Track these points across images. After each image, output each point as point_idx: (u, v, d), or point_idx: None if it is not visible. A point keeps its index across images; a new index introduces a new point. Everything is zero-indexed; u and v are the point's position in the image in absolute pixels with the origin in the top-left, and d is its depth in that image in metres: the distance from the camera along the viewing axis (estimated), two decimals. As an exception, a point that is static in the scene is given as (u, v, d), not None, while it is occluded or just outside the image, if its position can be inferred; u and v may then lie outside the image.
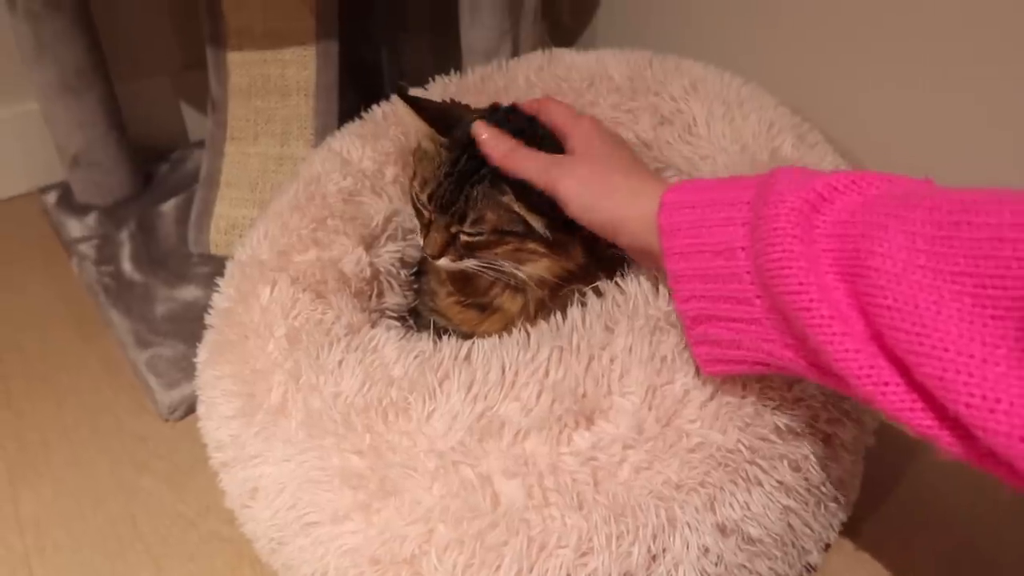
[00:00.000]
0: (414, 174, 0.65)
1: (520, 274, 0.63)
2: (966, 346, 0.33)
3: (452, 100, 0.69)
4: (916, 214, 0.36)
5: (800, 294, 0.40)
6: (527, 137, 0.60)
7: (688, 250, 0.47)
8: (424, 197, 0.62)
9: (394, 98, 0.80)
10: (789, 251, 0.41)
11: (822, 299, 0.39)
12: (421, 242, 0.64)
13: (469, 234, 0.61)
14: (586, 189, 0.54)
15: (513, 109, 0.66)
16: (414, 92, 0.82)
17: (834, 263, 0.39)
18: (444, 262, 0.63)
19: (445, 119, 0.63)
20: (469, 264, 0.63)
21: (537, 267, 0.63)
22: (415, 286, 0.76)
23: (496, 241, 0.61)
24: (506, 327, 0.65)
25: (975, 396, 0.32)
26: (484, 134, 0.60)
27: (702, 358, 0.50)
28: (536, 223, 0.59)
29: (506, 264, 0.62)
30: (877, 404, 0.38)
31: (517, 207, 0.59)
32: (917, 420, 0.36)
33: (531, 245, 0.61)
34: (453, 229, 0.61)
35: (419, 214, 0.65)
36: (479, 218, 0.60)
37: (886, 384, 0.37)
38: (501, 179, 0.59)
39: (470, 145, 0.61)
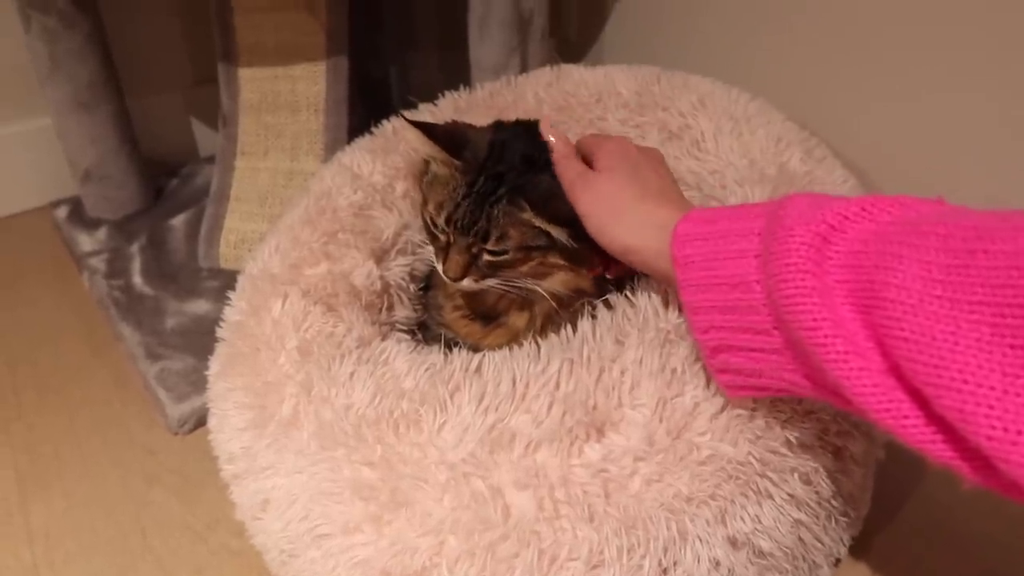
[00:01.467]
0: (425, 200, 0.65)
1: (539, 289, 0.62)
2: (986, 377, 0.32)
3: (454, 120, 0.69)
4: (930, 242, 0.35)
5: (815, 330, 0.39)
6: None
7: (704, 282, 0.47)
8: (442, 220, 0.62)
9: (402, 123, 0.80)
10: (801, 286, 0.40)
11: (837, 334, 0.38)
12: (440, 267, 0.63)
13: (493, 253, 0.61)
14: (598, 210, 0.55)
15: (520, 130, 0.66)
16: (423, 108, 0.83)
17: (849, 295, 0.39)
18: (466, 283, 0.62)
19: (453, 140, 0.63)
20: (490, 283, 0.62)
21: (555, 281, 0.63)
22: (423, 300, 0.76)
23: (522, 259, 0.61)
24: (512, 340, 0.65)
25: (996, 428, 0.32)
26: (551, 136, 0.62)
27: (725, 384, 0.50)
28: (559, 234, 0.59)
29: (528, 281, 0.62)
30: (898, 436, 0.37)
31: (538, 221, 0.59)
32: (939, 452, 0.36)
33: (552, 259, 0.61)
34: (475, 250, 0.61)
35: (434, 239, 0.65)
36: (503, 235, 0.60)
37: (906, 417, 0.36)
38: (519, 196, 0.59)
39: (486, 165, 0.61)
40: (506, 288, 0.63)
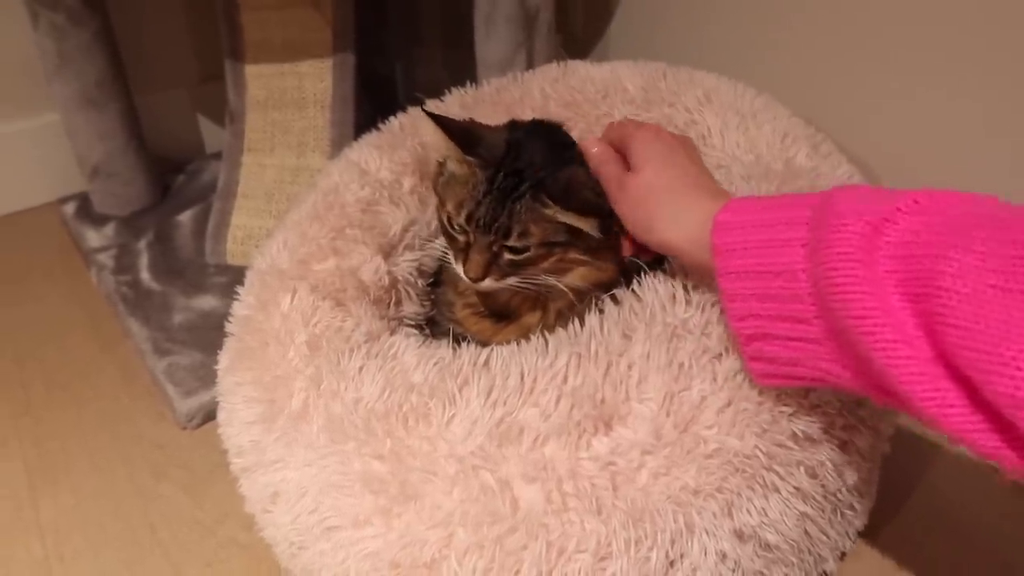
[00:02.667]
0: (442, 201, 0.64)
1: (560, 285, 0.62)
2: None
3: (471, 119, 0.68)
4: (985, 232, 0.36)
5: (865, 319, 0.40)
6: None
7: (744, 270, 0.47)
8: (462, 219, 0.61)
9: (417, 112, 0.79)
10: (852, 275, 0.41)
11: (886, 323, 0.39)
12: (459, 268, 0.62)
13: (515, 250, 0.60)
14: (636, 213, 0.55)
15: (537, 127, 0.66)
16: (429, 104, 0.83)
17: (899, 284, 0.39)
18: (487, 283, 0.62)
19: (468, 136, 0.63)
20: (510, 282, 0.62)
21: (575, 276, 0.62)
22: (432, 296, 0.76)
23: (543, 255, 0.61)
24: (523, 336, 0.65)
25: None
26: (594, 148, 0.62)
27: (757, 372, 0.50)
28: (586, 226, 0.59)
29: (550, 278, 0.62)
30: (940, 426, 0.38)
31: (562, 216, 0.58)
32: (982, 441, 0.36)
33: (572, 255, 0.61)
34: (495, 248, 0.60)
35: (452, 240, 0.64)
36: (524, 232, 0.60)
37: (951, 406, 0.37)
38: (541, 191, 0.59)
39: (505, 161, 0.61)
40: (525, 287, 0.62)
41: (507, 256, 0.61)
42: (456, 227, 0.62)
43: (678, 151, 0.58)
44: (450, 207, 0.62)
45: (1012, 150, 0.77)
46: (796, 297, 0.45)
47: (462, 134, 0.62)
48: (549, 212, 0.59)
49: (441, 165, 0.65)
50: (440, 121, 0.62)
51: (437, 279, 0.76)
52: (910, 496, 0.76)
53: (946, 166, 0.83)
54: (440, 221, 0.66)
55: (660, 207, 0.54)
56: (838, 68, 0.90)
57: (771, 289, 0.46)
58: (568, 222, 0.59)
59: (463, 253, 0.62)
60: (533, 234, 0.60)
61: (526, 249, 0.60)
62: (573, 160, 0.63)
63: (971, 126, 0.79)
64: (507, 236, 0.60)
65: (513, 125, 0.67)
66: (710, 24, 1.06)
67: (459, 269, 0.63)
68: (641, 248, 0.60)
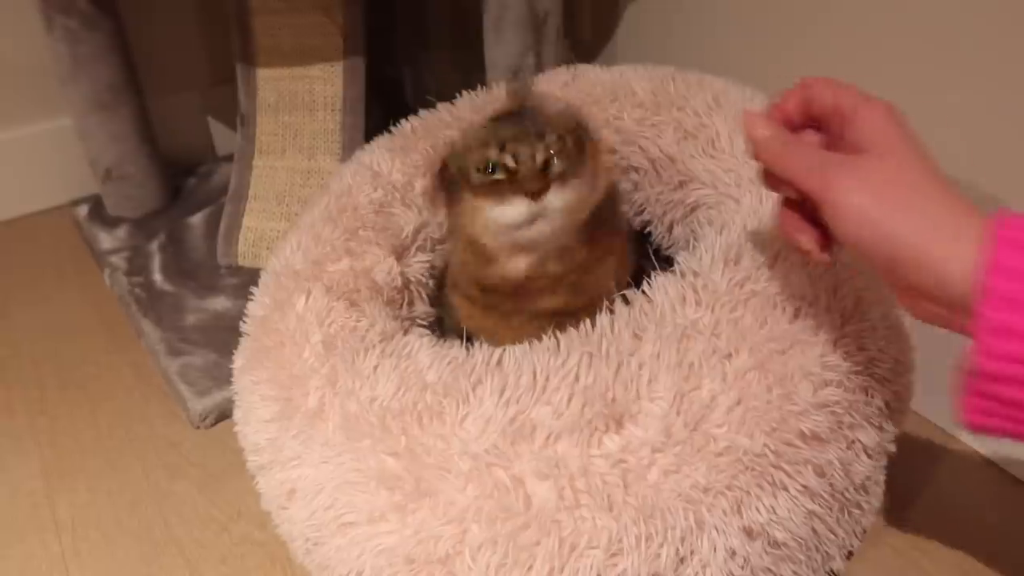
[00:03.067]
0: (458, 174, 0.63)
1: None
2: None
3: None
4: None
5: None
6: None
7: None
8: (493, 151, 0.60)
9: (427, 115, 0.81)
10: None
11: None
12: (513, 207, 0.59)
13: (555, 145, 0.60)
14: (880, 200, 0.42)
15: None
16: (441, 107, 0.84)
17: None
18: (552, 198, 0.59)
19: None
20: (566, 198, 0.60)
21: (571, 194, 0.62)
22: (439, 299, 0.77)
23: (576, 148, 0.61)
24: (525, 332, 0.65)
25: None
26: (758, 130, 0.49)
27: (974, 409, 0.42)
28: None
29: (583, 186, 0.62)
30: None
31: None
32: None
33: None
34: (538, 155, 0.60)
35: (492, 185, 0.61)
36: (549, 124, 0.61)
37: None
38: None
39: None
40: (574, 204, 0.61)
41: (553, 161, 0.60)
42: (487, 167, 0.61)
43: (923, 146, 0.46)
44: (475, 156, 0.62)
45: (1016, 142, 0.77)
46: None
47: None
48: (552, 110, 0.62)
49: (443, 170, 0.66)
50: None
51: (441, 282, 0.77)
52: (917, 498, 0.77)
53: (957, 163, 0.83)
54: (469, 176, 0.63)
55: (930, 199, 0.42)
56: (846, 71, 0.91)
57: None
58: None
59: (511, 180, 0.60)
60: (554, 125, 0.62)
61: (563, 141, 0.60)
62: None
63: (985, 123, 0.79)
64: (542, 136, 0.60)
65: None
66: (718, 28, 1.07)
67: (513, 208, 0.60)
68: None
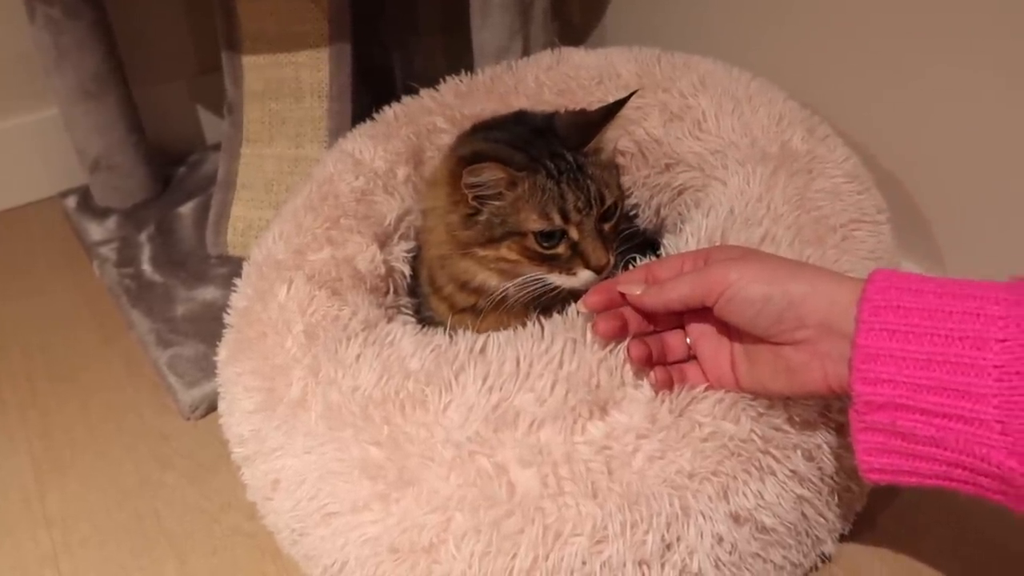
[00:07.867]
0: (517, 231, 0.60)
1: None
2: None
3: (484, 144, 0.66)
4: None
5: None
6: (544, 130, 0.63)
7: (904, 329, 0.42)
8: (557, 219, 0.58)
9: (410, 101, 0.80)
10: None
11: None
12: (576, 276, 0.60)
13: (609, 213, 0.60)
14: (767, 268, 0.48)
15: (506, 125, 0.67)
16: (424, 94, 0.83)
17: None
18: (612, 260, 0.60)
19: (507, 158, 0.61)
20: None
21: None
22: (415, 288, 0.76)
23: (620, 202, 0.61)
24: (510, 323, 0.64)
25: None
26: (635, 287, 0.53)
27: (867, 447, 0.46)
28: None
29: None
30: None
31: (608, 134, 0.60)
32: None
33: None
34: (597, 224, 0.60)
35: (549, 260, 0.60)
36: (607, 186, 0.60)
37: None
38: (579, 152, 0.60)
39: (539, 153, 0.61)
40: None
41: (607, 226, 0.60)
42: (549, 239, 0.59)
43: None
44: (531, 225, 0.59)
45: (1009, 131, 0.77)
46: (975, 368, 0.40)
47: (505, 157, 0.61)
48: (605, 157, 0.60)
49: (457, 203, 0.63)
50: (496, 158, 0.59)
51: (415, 272, 0.76)
52: (909, 477, 0.76)
53: (943, 148, 0.83)
54: (524, 252, 0.61)
55: (804, 264, 0.50)
56: (834, 51, 0.90)
57: (939, 355, 0.41)
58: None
59: (575, 254, 0.60)
60: (610, 184, 0.61)
61: (615, 204, 0.60)
62: (554, 127, 0.65)
63: (968, 108, 0.79)
64: (603, 201, 0.59)
65: (497, 126, 0.67)
66: (706, 10, 1.05)
67: (576, 277, 0.60)
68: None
